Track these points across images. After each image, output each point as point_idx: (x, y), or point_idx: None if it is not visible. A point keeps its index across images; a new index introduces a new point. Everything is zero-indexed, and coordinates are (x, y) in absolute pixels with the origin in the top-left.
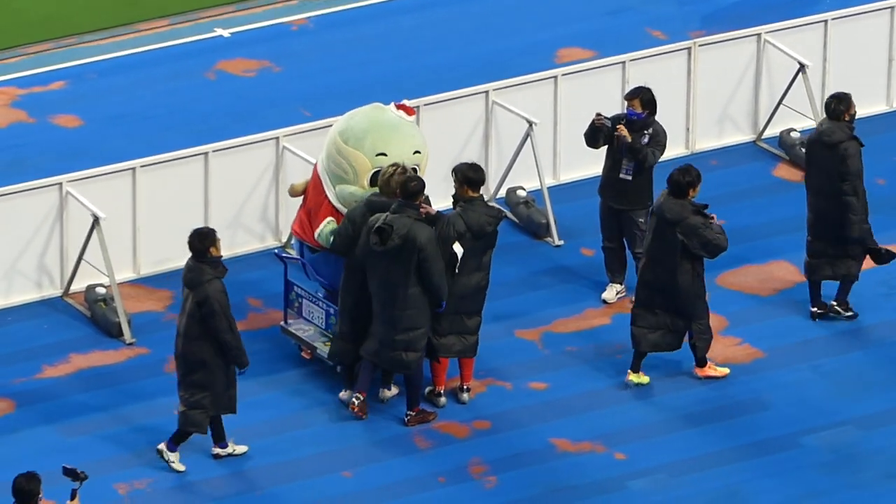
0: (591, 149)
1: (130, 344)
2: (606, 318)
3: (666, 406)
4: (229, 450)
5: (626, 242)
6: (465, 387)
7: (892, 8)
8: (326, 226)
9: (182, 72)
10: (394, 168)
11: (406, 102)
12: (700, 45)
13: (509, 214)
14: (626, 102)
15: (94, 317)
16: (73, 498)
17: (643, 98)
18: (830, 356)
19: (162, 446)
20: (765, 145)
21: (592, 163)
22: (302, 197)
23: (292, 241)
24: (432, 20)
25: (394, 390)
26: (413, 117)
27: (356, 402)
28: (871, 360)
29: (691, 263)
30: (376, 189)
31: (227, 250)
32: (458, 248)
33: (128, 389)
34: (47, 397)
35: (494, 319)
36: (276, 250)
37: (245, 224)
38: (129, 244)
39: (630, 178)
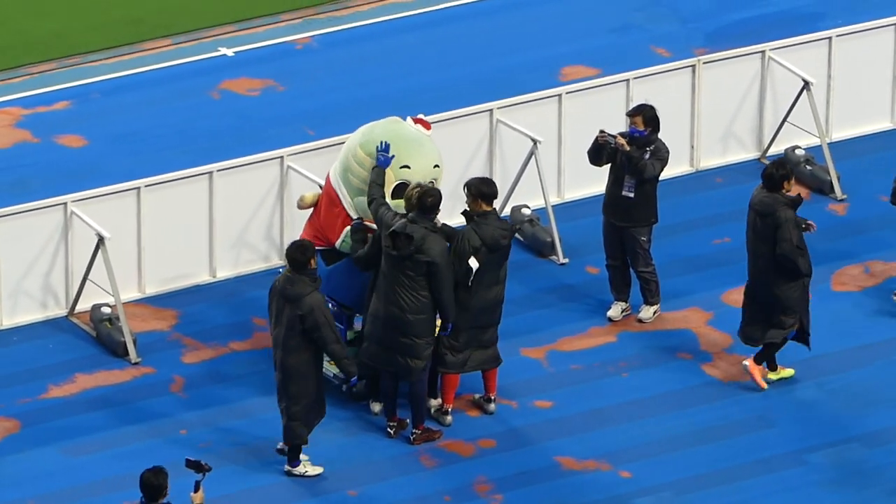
0: (594, 166)
1: (136, 363)
2: (612, 337)
3: (671, 424)
4: (301, 469)
5: (628, 261)
6: (491, 397)
7: (895, 25)
8: (350, 234)
9: (186, 91)
10: (418, 189)
11: (422, 116)
12: (704, 63)
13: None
14: (628, 119)
15: (100, 336)
16: (196, 490)
17: (646, 115)
18: (836, 373)
19: (287, 469)
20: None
21: (597, 181)
22: (310, 210)
23: None
24: (436, 38)
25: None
26: (430, 132)
27: (392, 429)
28: (876, 377)
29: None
30: (398, 201)
31: (231, 270)
32: (473, 263)
33: (133, 409)
34: (53, 417)
35: (500, 337)
36: (280, 269)
37: (250, 243)
38: (134, 264)
39: (632, 195)
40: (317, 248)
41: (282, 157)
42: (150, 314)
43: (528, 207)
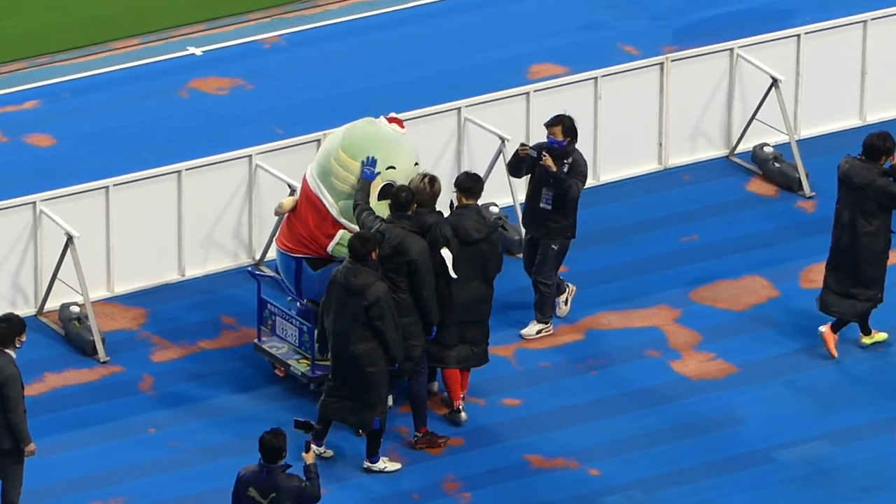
0: (514, 177)
1: (105, 362)
2: (579, 335)
3: (639, 422)
4: (380, 465)
5: (535, 268)
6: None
7: (864, 22)
8: (344, 236)
9: (155, 90)
10: (422, 177)
11: (393, 115)
12: (672, 61)
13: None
14: (546, 130)
15: (69, 335)
16: (307, 450)
17: (564, 126)
18: (804, 371)
19: (367, 465)
20: (738, 160)
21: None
22: (286, 215)
23: (270, 253)
24: (404, 37)
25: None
26: (404, 130)
27: (417, 438)
28: (844, 375)
29: (875, 226)
30: (383, 201)
31: (200, 268)
32: (445, 253)
33: (102, 408)
34: None
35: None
36: (249, 268)
37: (218, 242)
38: (103, 262)
39: (550, 207)
40: (302, 255)
41: (250, 156)
42: (119, 313)
43: (496, 206)
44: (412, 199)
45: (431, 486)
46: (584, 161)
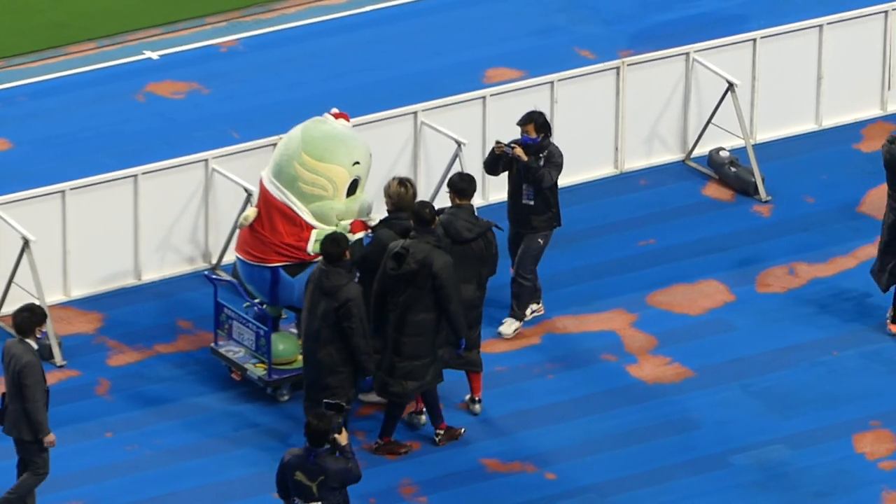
0: (490, 176)
1: (61, 366)
2: (536, 339)
3: (596, 426)
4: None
5: (516, 261)
6: (475, 398)
7: (820, 27)
8: (320, 234)
9: (111, 94)
10: (398, 182)
11: (335, 110)
12: (629, 65)
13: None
14: (519, 129)
15: None
16: (340, 431)
17: (537, 122)
18: (760, 375)
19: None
20: (694, 164)
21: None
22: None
23: (226, 258)
24: (360, 41)
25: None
26: (350, 124)
27: (440, 436)
28: (800, 379)
29: None
30: (354, 196)
31: (157, 272)
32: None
33: (59, 412)
34: None
35: None
36: (206, 272)
37: (175, 246)
38: (60, 266)
39: (532, 202)
40: (278, 264)
41: (206, 160)
42: (75, 317)
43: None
44: (435, 215)
45: (388, 489)
46: (560, 153)
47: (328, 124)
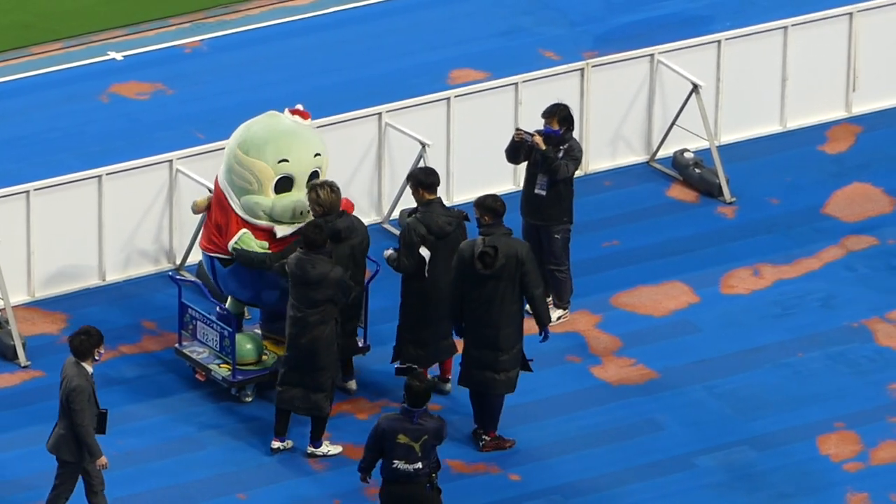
0: (511, 164)
1: (25, 367)
2: None
3: (560, 427)
4: (324, 449)
5: (544, 257)
6: (447, 377)
7: (784, 28)
8: (243, 236)
9: (75, 95)
10: (328, 188)
11: (300, 107)
12: (593, 66)
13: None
14: (543, 120)
15: None
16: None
17: (561, 115)
18: (724, 377)
19: (310, 450)
20: (658, 166)
21: (485, 183)
22: (204, 214)
23: (191, 258)
24: (325, 42)
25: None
26: (309, 121)
27: (485, 442)
28: (765, 380)
29: None
30: (284, 195)
31: (121, 273)
32: (424, 252)
33: (24, 412)
34: None
35: (390, 339)
36: (170, 273)
37: (139, 247)
38: (24, 267)
39: (544, 193)
40: (215, 254)
41: (171, 161)
42: (39, 317)
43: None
44: (504, 206)
45: (352, 490)
46: (580, 148)
47: (274, 120)
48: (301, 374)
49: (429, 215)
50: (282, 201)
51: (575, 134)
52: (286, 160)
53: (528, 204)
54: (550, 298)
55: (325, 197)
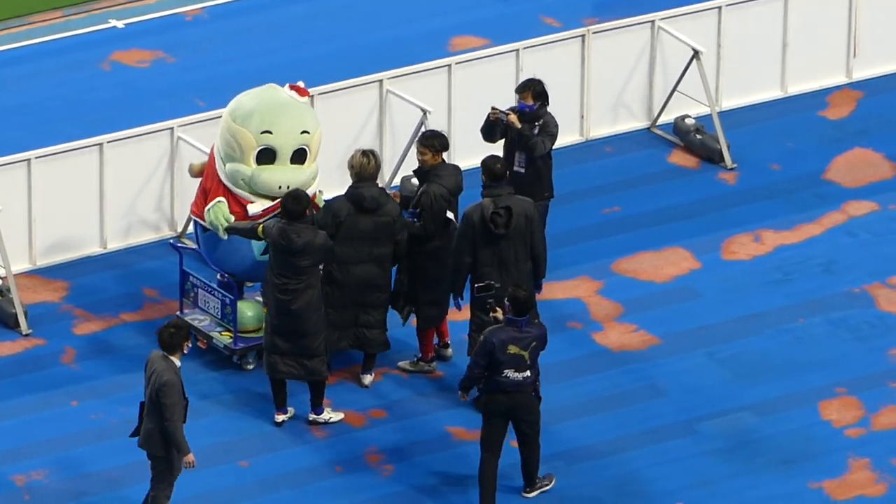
0: (488, 142)
1: (27, 335)
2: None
3: (562, 394)
4: (325, 416)
5: None
6: (446, 342)
7: None
8: (216, 205)
9: (76, 63)
10: (362, 153)
11: (301, 84)
12: (594, 33)
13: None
14: (517, 96)
15: None
16: (495, 311)
17: (535, 90)
18: (726, 342)
19: (312, 417)
20: (659, 132)
21: (486, 151)
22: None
23: (191, 226)
24: (326, 9)
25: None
26: (306, 99)
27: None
28: (766, 346)
29: None
30: (264, 166)
31: (122, 241)
32: (451, 216)
33: (25, 381)
34: None
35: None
36: (171, 240)
37: (140, 214)
38: (25, 235)
39: (523, 170)
40: (196, 218)
41: (172, 129)
42: (40, 285)
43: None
44: (506, 169)
45: (354, 458)
46: (556, 123)
47: (269, 92)
48: (291, 341)
49: (445, 177)
50: (263, 174)
51: (576, 100)
52: (269, 132)
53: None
54: None
55: (356, 160)
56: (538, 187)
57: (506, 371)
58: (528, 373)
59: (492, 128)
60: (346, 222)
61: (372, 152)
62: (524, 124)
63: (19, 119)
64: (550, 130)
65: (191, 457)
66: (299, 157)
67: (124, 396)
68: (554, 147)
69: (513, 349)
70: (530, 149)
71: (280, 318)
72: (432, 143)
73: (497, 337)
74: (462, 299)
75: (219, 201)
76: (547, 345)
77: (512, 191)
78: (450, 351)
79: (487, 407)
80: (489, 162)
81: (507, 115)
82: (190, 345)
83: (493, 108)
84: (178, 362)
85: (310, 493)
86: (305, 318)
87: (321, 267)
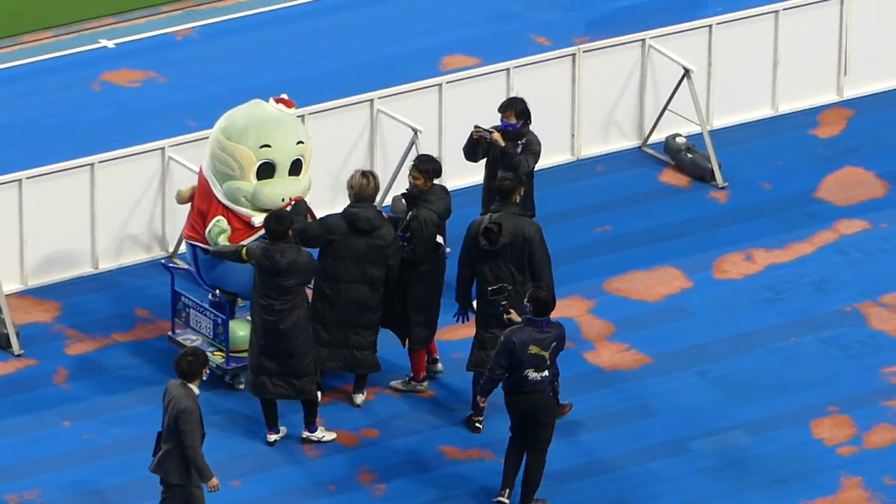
0: (470, 162)
1: (19, 355)
2: None
3: None
4: (319, 434)
5: None
6: (435, 358)
7: (776, 12)
8: (216, 225)
9: (67, 83)
10: (361, 174)
11: (285, 96)
12: (584, 52)
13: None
14: (500, 115)
15: None
16: (509, 314)
17: (517, 109)
18: (717, 361)
19: (305, 434)
20: (650, 151)
21: (477, 171)
22: (190, 203)
23: (183, 246)
24: (316, 29)
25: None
26: (293, 110)
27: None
28: (758, 365)
29: None
30: (265, 181)
31: (113, 261)
32: (440, 240)
33: (17, 401)
34: None
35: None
36: (163, 260)
37: (132, 234)
38: (17, 255)
39: None
40: (197, 242)
41: (163, 149)
42: (32, 306)
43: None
44: (516, 186)
45: (346, 477)
46: (538, 141)
47: (257, 107)
48: (279, 361)
49: (435, 202)
50: (266, 188)
51: (567, 119)
52: (268, 146)
53: (490, 200)
54: None
55: (356, 181)
56: (522, 205)
57: (526, 371)
58: (546, 372)
59: (474, 147)
60: (339, 241)
61: (371, 173)
62: (507, 143)
63: (10, 139)
64: (534, 149)
65: (215, 481)
66: (296, 168)
67: (116, 417)
68: (545, 166)
69: (533, 349)
70: (514, 167)
71: (267, 339)
72: (427, 168)
73: (518, 336)
74: (471, 309)
75: (218, 220)
76: (564, 345)
77: (518, 211)
78: (440, 366)
79: (507, 409)
80: (499, 179)
81: (491, 133)
82: (208, 371)
83: (476, 127)
84: (196, 390)
85: None
86: (293, 339)
87: (311, 284)
